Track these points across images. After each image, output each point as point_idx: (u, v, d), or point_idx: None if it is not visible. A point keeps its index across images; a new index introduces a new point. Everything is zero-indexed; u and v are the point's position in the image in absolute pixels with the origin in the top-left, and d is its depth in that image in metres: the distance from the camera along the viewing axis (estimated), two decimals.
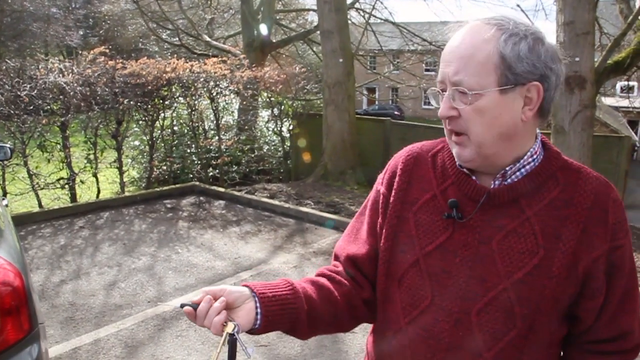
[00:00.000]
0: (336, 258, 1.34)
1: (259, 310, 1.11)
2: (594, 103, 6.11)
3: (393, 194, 1.23)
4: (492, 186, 1.13)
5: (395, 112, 35.09)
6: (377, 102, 38.24)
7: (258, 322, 1.11)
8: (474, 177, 1.15)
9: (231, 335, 1.05)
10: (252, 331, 1.13)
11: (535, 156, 1.13)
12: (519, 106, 1.06)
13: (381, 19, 16.62)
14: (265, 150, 11.20)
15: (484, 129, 1.06)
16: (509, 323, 1.08)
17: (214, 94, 9.26)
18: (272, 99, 10.46)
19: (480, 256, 1.11)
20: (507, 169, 1.11)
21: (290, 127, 10.83)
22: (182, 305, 1.08)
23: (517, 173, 1.12)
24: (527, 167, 1.12)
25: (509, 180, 1.12)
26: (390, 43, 20.97)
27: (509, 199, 1.11)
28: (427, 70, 35.85)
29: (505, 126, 1.07)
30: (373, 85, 37.84)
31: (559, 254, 1.07)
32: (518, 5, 8.70)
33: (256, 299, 1.11)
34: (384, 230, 1.23)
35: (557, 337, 1.15)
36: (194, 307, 1.07)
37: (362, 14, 16.51)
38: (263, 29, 14.43)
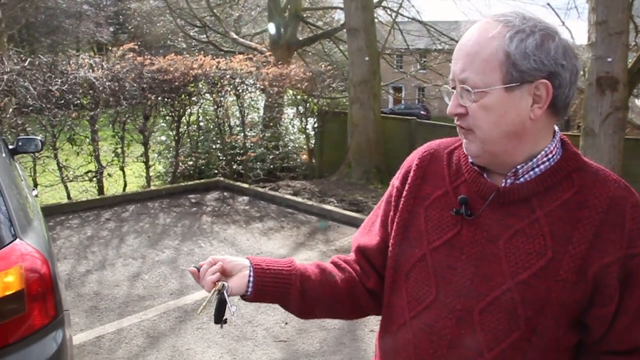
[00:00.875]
0: (353, 249, 1.37)
1: (251, 279, 1.20)
2: (626, 105, 5.99)
3: (406, 188, 1.24)
4: (503, 184, 1.11)
5: (422, 112, 34.82)
6: (403, 102, 37.99)
7: (249, 289, 1.20)
8: (486, 175, 1.14)
9: (220, 293, 1.16)
10: (244, 297, 1.21)
11: (550, 156, 1.09)
12: (527, 104, 1.04)
13: (408, 17, 16.51)
14: (289, 148, 11.23)
15: (490, 127, 1.05)
16: (512, 324, 1.05)
17: (240, 91, 9.32)
18: (298, 96, 10.49)
19: (487, 254, 1.09)
20: (519, 167, 1.09)
21: (315, 125, 10.85)
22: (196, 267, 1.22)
23: (531, 172, 1.09)
24: (542, 166, 1.09)
25: (521, 179, 1.09)
26: (417, 42, 20.82)
27: (519, 198, 1.09)
28: None
29: (511, 124, 1.05)
30: (399, 84, 37.63)
31: (567, 257, 1.03)
32: (548, 4, 8.56)
33: (251, 268, 1.21)
34: (395, 224, 1.24)
35: (566, 344, 1.09)
36: (198, 268, 1.20)
37: (389, 13, 16.41)
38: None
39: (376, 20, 13.73)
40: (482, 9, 39.84)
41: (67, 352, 2.21)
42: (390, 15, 16.21)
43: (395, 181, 1.30)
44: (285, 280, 1.22)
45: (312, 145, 10.88)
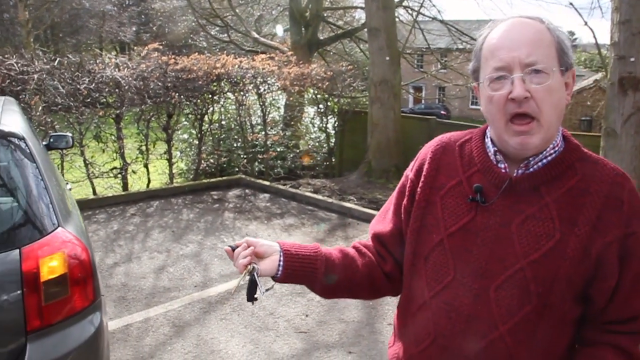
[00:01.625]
0: (370, 236, 1.50)
1: (281, 263, 1.31)
2: None
3: (422, 179, 1.33)
4: (515, 174, 1.21)
5: (442, 112, 34.66)
6: (423, 101, 37.85)
7: (279, 272, 1.32)
8: (501, 165, 1.23)
9: (253, 273, 1.28)
10: (274, 278, 1.33)
11: (557, 148, 1.21)
12: (564, 90, 1.17)
13: (429, 17, 16.48)
14: (310, 146, 11.34)
15: (552, 109, 1.14)
16: (525, 299, 1.16)
17: (262, 90, 9.46)
18: (319, 95, 10.59)
19: (500, 238, 1.19)
20: (531, 158, 1.19)
21: (336, 124, 10.94)
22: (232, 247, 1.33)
23: (539, 163, 1.20)
24: (549, 157, 1.20)
25: (531, 170, 1.20)
26: (438, 41, 20.78)
27: (529, 186, 1.19)
28: None
29: (562, 108, 1.18)
30: (420, 83, 37.51)
31: (573, 238, 1.14)
32: (571, 4, 8.51)
33: (281, 253, 1.32)
34: (412, 213, 1.33)
35: (571, 317, 1.21)
36: (234, 248, 1.32)
37: (410, 12, 16.42)
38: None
39: (397, 19, 13.75)
40: (504, 8, 39.45)
41: (104, 334, 2.34)
42: (411, 15, 16.22)
43: (409, 173, 1.40)
44: (311, 265, 1.33)
45: (332, 144, 10.98)
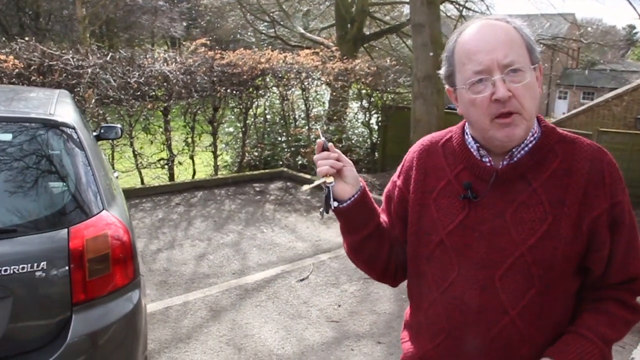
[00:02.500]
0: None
1: (353, 199, 1.36)
2: None
3: (412, 185, 1.40)
4: (500, 166, 1.27)
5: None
6: None
7: (345, 203, 1.36)
8: (485, 159, 1.29)
9: (328, 185, 1.35)
10: (338, 202, 1.37)
11: (535, 134, 1.27)
12: (536, 84, 1.25)
13: (477, 11, 16.23)
14: (353, 142, 11.41)
15: (531, 104, 1.21)
16: (528, 283, 1.23)
17: (306, 85, 9.59)
18: (363, 91, 10.64)
19: (496, 228, 1.25)
20: (514, 149, 1.26)
21: (379, 120, 10.97)
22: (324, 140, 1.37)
23: (522, 152, 1.26)
24: (530, 145, 1.26)
25: (515, 159, 1.26)
26: None
27: (516, 175, 1.26)
28: None
29: (538, 100, 1.25)
30: None
31: (565, 218, 1.21)
32: None
33: (358, 192, 1.37)
34: (408, 218, 1.40)
35: (572, 290, 1.30)
36: (326, 146, 1.35)
37: (457, 7, 16.20)
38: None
39: (443, 14, 13.60)
40: (555, 2, 38.33)
41: (142, 310, 2.52)
42: (458, 10, 16.01)
43: (395, 179, 1.48)
44: (368, 220, 1.40)
45: (375, 139, 11.02)
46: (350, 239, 1.44)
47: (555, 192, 1.22)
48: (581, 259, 1.26)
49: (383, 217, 1.51)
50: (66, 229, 2.24)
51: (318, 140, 1.36)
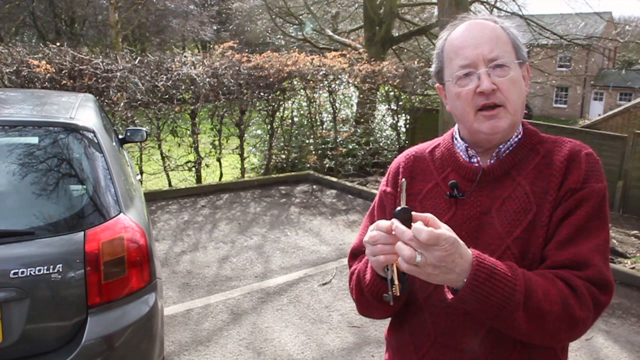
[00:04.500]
0: (357, 254, 1.43)
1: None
2: None
3: (399, 190, 1.36)
4: (488, 164, 1.28)
5: (523, 110, 33.44)
6: None
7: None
8: (473, 160, 1.30)
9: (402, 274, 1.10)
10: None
11: (519, 135, 1.30)
12: (523, 81, 1.27)
13: (508, 12, 15.96)
14: (381, 144, 11.34)
15: (517, 97, 1.24)
16: None
17: (333, 87, 9.57)
18: (390, 93, 10.57)
19: (483, 225, 1.24)
20: (501, 147, 1.27)
21: (407, 122, 10.88)
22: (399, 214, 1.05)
23: (507, 150, 1.28)
24: (514, 144, 1.28)
25: (500, 157, 1.27)
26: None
27: (501, 173, 1.26)
28: (560, 66, 33.73)
29: (524, 97, 1.26)
30: None
31: (547, 205, 1.21)
32: None
33: None
34: None
35: None
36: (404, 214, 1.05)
37: (487, 7, 15.98)
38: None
39: (473, 15, 13.37)
40: (591, 1, 37.46)
41: (158, 313, 2.53)
42: (488, 10, 15.78)
43: (384, 187, 1.44)
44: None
45: (404, 142, 10.93)
46: (390, 310, 1.31)
47: (538, 183, 1.23)
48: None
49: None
50: (82, 232, 2.26)
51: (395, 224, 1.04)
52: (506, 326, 1.10)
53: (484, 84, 1.20)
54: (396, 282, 1.08)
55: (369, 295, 1.27)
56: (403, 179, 1.15)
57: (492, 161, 1.28)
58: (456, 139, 1.35)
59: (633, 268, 5.32)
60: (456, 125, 1.36)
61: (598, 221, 1.19)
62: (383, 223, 1.08)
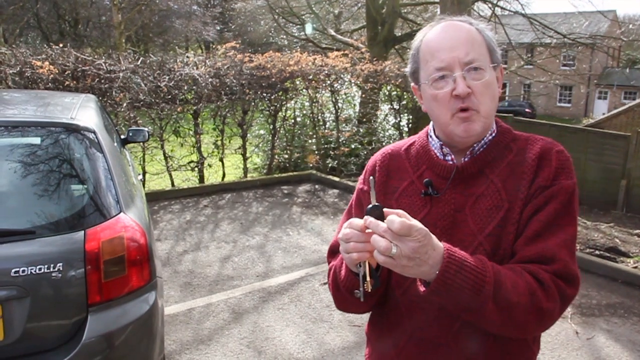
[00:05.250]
0: (335, 252, 1.42)
1: (380, 267, 1.21)
2: None
3: (375, 188, 1.35)
4: (462, 162, 1.29)
5: (526, 110, 33.34)
6: (507, 99, 36.51)
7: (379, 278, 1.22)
8: (447, 158, 1.31)
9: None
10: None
11: (493, 133, 1.32)
12: (497, 83, 1.29)
13: (510, 11, 15.95)
14: (383, 144, 11.33)
15: (490, 101, 1.26)
16: None
17: (335, 87, 9.57)
18: (393, 92, 10.57)
19: (457, 222, 1.26)
20: (475, 146, 1.29)
21: (410, 121, 10.88)
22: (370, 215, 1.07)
23: (481, 149, 1.29)
24: (487, 142, 1.30)
25: (474, 155, 1.29)
26: (522, 36, 20.09)
27: (475, 171, 1.28)
28: (564, 65, 33.65)
29: (497, 99, 1.28)
30: (504, 80, 36.21)
31: (518, 202, 1.23)
32: None
33: None
34: None
35: None
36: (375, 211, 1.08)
37: (490, 6, 15.95)
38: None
39: (477, 14, 13.39)
40: (595, 0, 37.37)
41: (158, 312, 2.54)
42: (491, 9, 15.76)
43: (360, 186, 1.46)
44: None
45: None
46: (364, 307, 1.35)
47: (510, 181, 1.25)
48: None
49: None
50: (83, 231, 2.28)
51: (368, 221, 1.06)
52: (477, 318, 1.12)
53: (459, 87, 1.21)
54: (368, 278, 1.11)
55: (345, 290, 1.29)
56: (371, 177, 1.16)
57: (466, 159, 1.30)
58: (431, 136, 1.37)
59: (636, 267, 5.31)
60: (431, 123, 1.38)
61: (566, 217, 1.21)
62: (356, 221, 1.10)
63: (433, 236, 1.07)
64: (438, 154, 1.33)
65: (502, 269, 1.14)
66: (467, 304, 1.09)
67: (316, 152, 9.87)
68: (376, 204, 1.08)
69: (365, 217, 1.07)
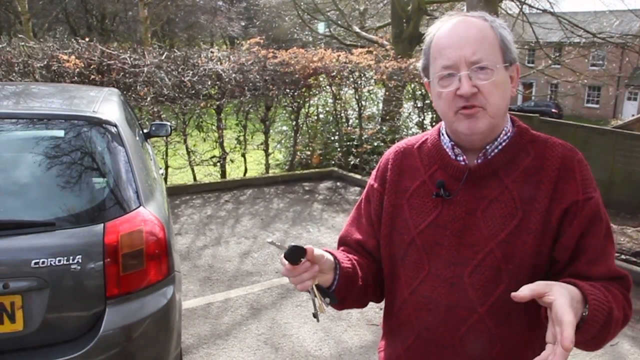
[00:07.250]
0: (344, 243, 1.47)
1: (336, 283, 1.27)
2: None
3: (387, 186, 1.38)
4: (474, 164, 1.26)
5: (553, 110, 32.78)
6: (533, 98, 35.92)
7: (333, 293, 1.27)
8: (459, 158, 1.28)
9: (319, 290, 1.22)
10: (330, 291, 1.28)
11: (508, 133, 1.28)
12: (510, 83, 1.25)
13: (538, 9, 15.68)
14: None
15: (499, 101, 1.21)
16: (498, 279, 1.21)
17: (359, 84, 9.52)
18: (417, 91, 10.48)
19: (468, 225, 1.24)
20: (488, 147, 1.25)
21: (433, 120, 10.77)
22: (287, 256, 1.16)
23: (495, 150, 1.25)
24: (503, 143, 1.26)
25: (488, 157, 1.25)
26: (550, 35, 19.74)
27: (488, 173, 1.25)
28: (592, 65, 32.98)
29: (508, 99, 1.24)
30: (530, 80, 35.70)
31: (534, 212, 1.21)
32: None
33: (337, 273, 1.28)
34: (382, 219, 1.37)
35: None
36: (294, 259, 1.15)
37: (518, 4, 15.70)
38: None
39: (504, 13, 13.18)
40: None
41: (176, 306, 2.55)
42: (519, 7, 15.51)
43: (372, 182, 1.44)
44: (354, 285, 1.31)
45: None
46: (342, 307, 1.38)
47: (526, 189, 1.22)
48: (551, 253, 1.22)
49: (352, 231, 1.46)
50: (102, 224, 2.29)
51: (286, 267, 1.17)
52: (597, 343, 1.16)
53: (463, 87, 1.18)
54: (318, 302, 1.20)
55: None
56: (271, 241, 1.21)
57: (479, 160, 1.27)
58: (443, 135, 1.34)
59: None
60: (443, 121, 1.35)
61: (607, 229, 1.24)
62: (284, 265, 1.17)
63: (568, 293, 1.03)
64: (450, 154, 1.31)
65: (602, 288, 1.16)
66: (597, 332, 1.10)
67: (338, 149, 9.83)
68: (292, 245, 1.14)
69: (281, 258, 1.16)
